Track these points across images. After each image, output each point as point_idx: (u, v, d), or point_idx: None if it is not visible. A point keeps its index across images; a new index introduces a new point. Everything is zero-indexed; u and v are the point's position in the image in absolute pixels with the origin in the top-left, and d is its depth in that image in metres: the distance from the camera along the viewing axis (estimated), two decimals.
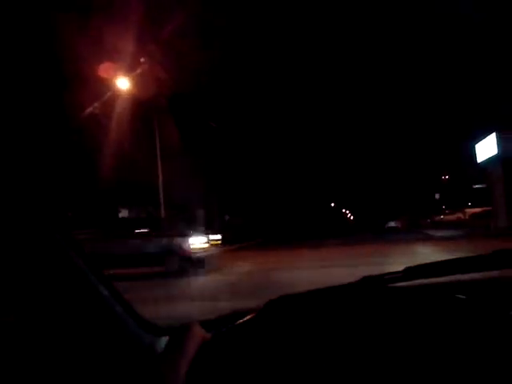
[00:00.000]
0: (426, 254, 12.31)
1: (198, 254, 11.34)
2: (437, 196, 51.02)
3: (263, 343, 0.83)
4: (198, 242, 11.70)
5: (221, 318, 1.13)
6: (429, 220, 45.52)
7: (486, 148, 25.76)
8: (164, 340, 0.90)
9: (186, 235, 11.82)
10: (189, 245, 11.31)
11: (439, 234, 24.26)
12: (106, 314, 0.82)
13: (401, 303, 0.99)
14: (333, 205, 71.49)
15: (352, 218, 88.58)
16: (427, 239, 20.39)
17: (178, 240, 11.45)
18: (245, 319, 0.94)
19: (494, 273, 1.12)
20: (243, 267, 11.95)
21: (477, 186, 32.85)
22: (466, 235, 20.29)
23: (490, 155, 24.46)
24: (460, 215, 36.68)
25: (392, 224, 51.02)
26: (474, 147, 27.31)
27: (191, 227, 15.33)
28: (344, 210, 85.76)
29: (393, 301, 1.02)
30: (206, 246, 12.10)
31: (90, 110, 15.64)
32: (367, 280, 1.12)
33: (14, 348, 0.90)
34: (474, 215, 32.57)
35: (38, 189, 0.73)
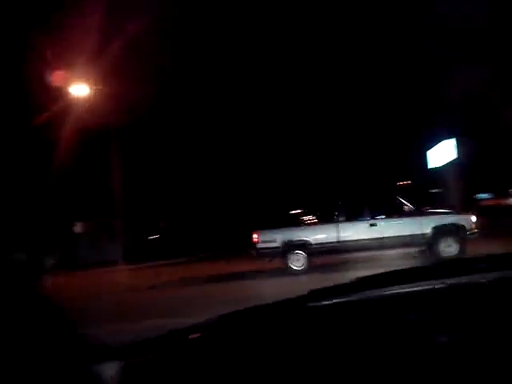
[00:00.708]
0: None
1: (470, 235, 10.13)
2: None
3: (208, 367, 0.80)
4: (471, 221, 10.38)
5: (162, 336, 1.02)
6: None
7: (440, 154, 26.74)
8: (108, 365, 0.88)
9: (462, 213, 10.80)
10: (470, 224, 10.14)
11: None
12: (46, 333, 0.77)
13: (341, 322, 0.95)
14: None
15: None
16: None
17: (459, 218, 10.25)
18: (193, 337, 0.91)
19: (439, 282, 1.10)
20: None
21: (433, 191, 33.99)
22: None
23: (446, 161, 25.51)
24: None
25: None
26: (426, 153, 28.63)
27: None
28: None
29: (334, 318, 0.97)
30: (474, 226, 10.50)
31: (42, 117, 15.20)
32: (314, 293, 1.08)
33: None
34: None
35: None
